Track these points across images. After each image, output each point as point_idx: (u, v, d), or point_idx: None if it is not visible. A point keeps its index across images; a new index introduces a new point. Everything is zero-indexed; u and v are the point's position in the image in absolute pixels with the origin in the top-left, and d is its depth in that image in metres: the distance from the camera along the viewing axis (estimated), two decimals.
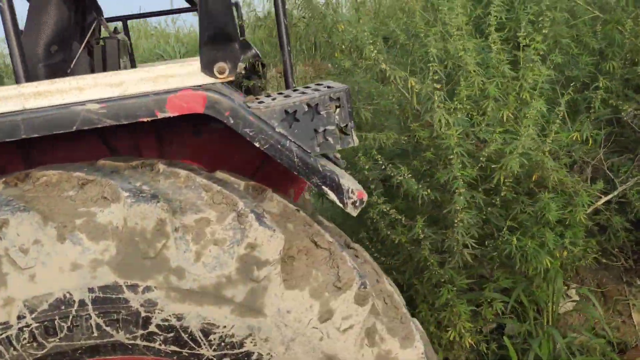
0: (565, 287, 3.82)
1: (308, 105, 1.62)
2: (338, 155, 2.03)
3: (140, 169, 1.64)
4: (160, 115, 1.49)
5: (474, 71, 2.92)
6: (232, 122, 1.56)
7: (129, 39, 3.70)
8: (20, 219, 1.39)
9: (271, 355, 1.60)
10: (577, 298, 3.83)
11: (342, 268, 1.66)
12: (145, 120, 1.49)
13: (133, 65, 2.94)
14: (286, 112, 1.60)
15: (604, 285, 3.87)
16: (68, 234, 1.43)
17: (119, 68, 2.53)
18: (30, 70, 1.61)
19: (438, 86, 2.73)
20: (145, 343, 1.51)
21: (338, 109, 1.64)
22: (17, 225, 1.39)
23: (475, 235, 2.95)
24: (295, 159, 1.62)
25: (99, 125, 1.46)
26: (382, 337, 1.70)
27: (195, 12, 3.43)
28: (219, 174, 1.73)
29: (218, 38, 1.54)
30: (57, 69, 2.34)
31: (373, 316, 1.69)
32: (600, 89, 3.09)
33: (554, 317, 3.55)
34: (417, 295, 3.55)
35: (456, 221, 2.88)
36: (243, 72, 3.45)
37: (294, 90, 1.73)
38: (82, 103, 1.47)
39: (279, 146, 1.60)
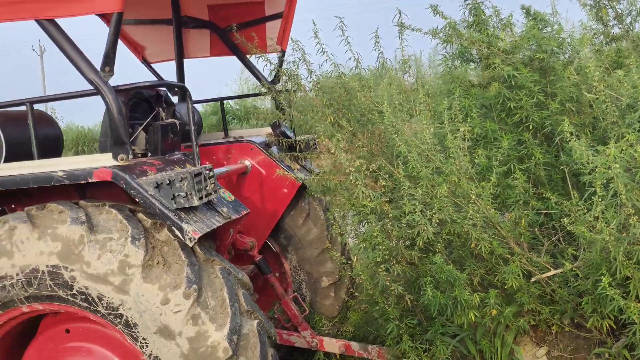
0: (536, 348, 4.26)
1: (168, 180, 2.86)
2: (225, 210, 3.18)
3: (97, 207, 3.04)
4: (90, 180, 2.89)
5: (410, 155, 3.77)
6: (124, 186, 2.88)
7: (224, 116, 5.24)
8: (22, 226, 2.90)
9: (133, 318, 2.84)
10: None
11: (180, 276, 2.84)
12: (85, 182, 2.90)
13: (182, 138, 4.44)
14: (156, 182, 2.87)
15: (574, 353, 4.22)
16: (42, 236, 2.89)
17: (159, 145, 4.00)
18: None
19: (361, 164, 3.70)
20: (71, 298, 2.88)
21: (185, 183, 2.85)
22: (19, 228, 2.90)
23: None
24: (157, 210, 2.86)
25: (61, 184, 2.91)
26: (204, 322, 2.82)
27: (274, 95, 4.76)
28: (137, 209, 3.04)
29: (117, 142, 2.90)
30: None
31: (200, 308, 2.83)
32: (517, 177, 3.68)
33: None
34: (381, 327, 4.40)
35: (380, 271, 3.76)
36: (276, 144, 4.72)
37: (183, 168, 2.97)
38: (55, 172, 2.94)
39: (148, 202, 2.86)
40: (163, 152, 4.16)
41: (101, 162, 2.94)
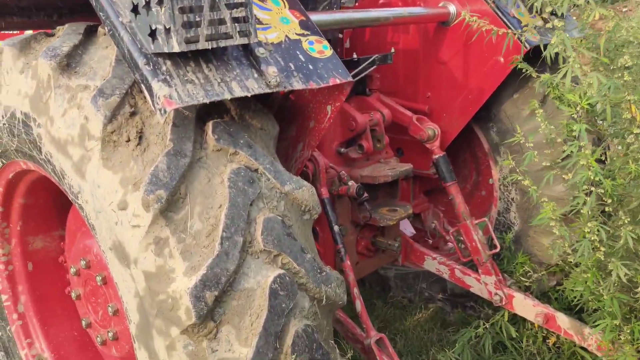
0: None
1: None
2: (274, 71, 1.76)
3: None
4: None
5: None
6: (93, 3, 1.72)
7: None
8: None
9: (90, 217, 1.83)
10: None
11: (146, 169, 1.67)
12: None
13: None
14: (132, 2, 1.63)
15: None
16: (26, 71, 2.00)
17: None
18: None
19: None
20: (44, 164, 1.99)
21: (163, 7, 1.55)
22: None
23: None
24: (125, 50, 1.65)
25: None
26: (172, 254, 1.65)
27: None
28: None
29: None
30: None
31: (169, 230, 1.65)
32: None
33: None
34: None
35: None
36: None
37: None
38: None
39: (117, 35, 1.67)
40: None
41: None
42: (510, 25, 2.93)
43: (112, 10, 1.68)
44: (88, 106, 1.75)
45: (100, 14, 1.71)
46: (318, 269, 1.84)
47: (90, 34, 2.02)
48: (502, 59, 2.97)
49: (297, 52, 1.93)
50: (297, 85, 1.84)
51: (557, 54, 1.98)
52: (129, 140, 1.73)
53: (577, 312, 3.26)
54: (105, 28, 1.71)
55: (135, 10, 1.64)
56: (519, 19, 3.00)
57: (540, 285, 3.25)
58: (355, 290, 2.51)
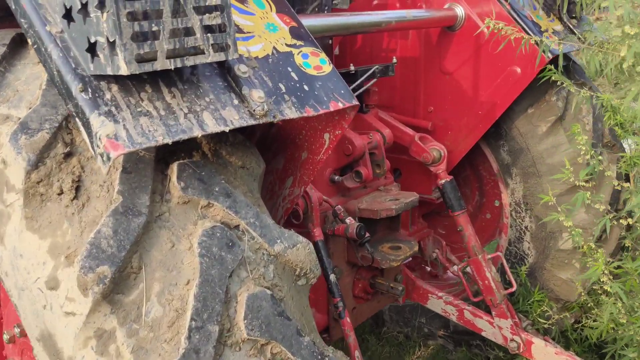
0: None
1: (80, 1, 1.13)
2: (259, 95, 1.32)
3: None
4: None
5: None
6: (13, 7, 1.25)
7: None
8: None
9: (12, 294, 1.36)
10: None
11: (84, 235, 1.21)
12: None
13: None
14: (64, 6, 1.16)
15: None
16: None
17: None
18: None
19: None
20: None
21: (105, 14, 1.09)
22: None
23: None
24: (54, 71, 1.19)
25: None
26: (120, 353, 1.19)
27: None
28: None
29: None
30: None
31: (117, 320, 1.19)
32: None
33: None
34: None
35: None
36: None
37: None
38: None
39: (43, 50, 1.20)
40: None
41: None
42: (528, 30, 2.52)
43: (36, 17, 1.21)
44: (6, 146, 1.28)
45: (22, 20, 1.24)
46: (319, 356, 1.40)
47: (18, 44, 1.56)
48: (519, 70, 2.57)
49: (289, 68, 1.48)
50: (290, 113, 1.39)
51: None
52: (61, 193, 1.27)
53: (597, 352, 2.91)
54: (29, 40, 1.25)
55: (68, 16, 1.17)
56: (537, 22, 2.60)
57: (559, 324, 2.87)
58: (357, 354, 2.08)
